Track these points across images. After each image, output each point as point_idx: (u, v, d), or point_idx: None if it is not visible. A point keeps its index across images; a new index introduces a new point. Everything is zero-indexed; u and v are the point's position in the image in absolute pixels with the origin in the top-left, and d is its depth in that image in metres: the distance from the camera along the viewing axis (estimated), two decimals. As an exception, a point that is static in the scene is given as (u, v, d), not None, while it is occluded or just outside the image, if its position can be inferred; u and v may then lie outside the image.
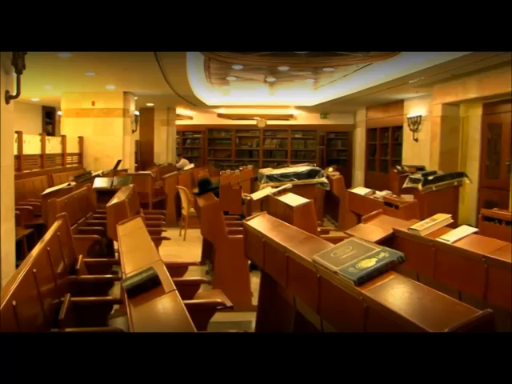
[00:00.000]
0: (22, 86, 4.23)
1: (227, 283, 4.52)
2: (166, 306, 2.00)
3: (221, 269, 4.85)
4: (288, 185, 5.85)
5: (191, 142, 17.62)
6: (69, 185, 6.71)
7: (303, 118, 16.88)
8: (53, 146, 9.85)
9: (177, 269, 3.53)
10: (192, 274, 4.35)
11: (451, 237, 3.25)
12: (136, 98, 11.57)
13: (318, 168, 7.40)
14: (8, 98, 4.17)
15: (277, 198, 4.99)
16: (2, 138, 4.10)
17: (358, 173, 15.54)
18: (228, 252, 4.81)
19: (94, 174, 8.46)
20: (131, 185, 6.38)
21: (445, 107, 9.47)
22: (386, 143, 13.64)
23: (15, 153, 7.44)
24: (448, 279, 3.15)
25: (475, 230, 3.37)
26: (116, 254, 5.44)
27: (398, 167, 10.38)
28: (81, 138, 10.91)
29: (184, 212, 8.24)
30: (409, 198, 7.08)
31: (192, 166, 12.84)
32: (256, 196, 6.13)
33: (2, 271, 4.06)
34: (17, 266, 4.03)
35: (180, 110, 15.72)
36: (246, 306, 4.42)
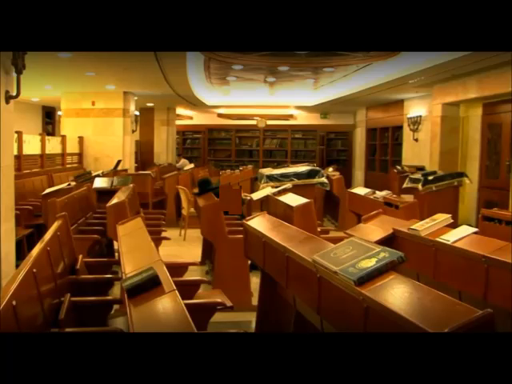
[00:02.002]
0: (22, 86, 4.23)
1: (227, 283, 4.52)
2: (166, 306, 2.00)
3: (221, 269, 4.85)
4: (288, 185, 5.85)
5: (191, 141, 17.62)
6: (69, 185, 6.71)
7: (303, 118, 16.88)
8: (53, 146, 9.85)
9: (177, 269, 3.53)
10: (192, 274, 4.35)
11: (451, 237, 3.25)
12: (136, 97, 11.57)
13: (318, 168, 7.39)
14: (8, 98, 4.17)
15: (277, 197, 4.99)
16: (2, 138, 4.10)
17: (358, 173, 15.54)
18: (228, 252, 4.81)
19: (94, 174, 8.45)
20: (131, 185, 6.38)
21: (445, 107, 9.47)
22: (386, 143, 13.64)
23: (15, 153, 7.44)
24: (448, 279, 3.15)
25: (475, 229, 3.37)
26: (116, 254, 5.43)
27: (398, 167, 10.38)
28: (81, 138, 10.91)
29: (184, 212, 8.24)
30: (409, 198, 7.08)
31: (192, 165, 12.84)
32: (256, 196, 6.13)
33: (2, 271, 4.06)
34: (17, 266, 4.03)
35: (180, 110, 15.72)
36: (246, 305, 4.42)
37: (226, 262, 4.83)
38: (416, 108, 11.62)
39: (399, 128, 12.63)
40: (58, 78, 9.34)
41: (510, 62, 6.76)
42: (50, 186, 7.63)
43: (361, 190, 6.77)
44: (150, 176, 9.25)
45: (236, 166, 15.26)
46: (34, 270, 2.35)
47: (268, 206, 5.44)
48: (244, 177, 11.16)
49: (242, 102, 14.77)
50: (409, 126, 11.79)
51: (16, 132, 7.50)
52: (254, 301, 4.14)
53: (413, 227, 3.52)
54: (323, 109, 15.48)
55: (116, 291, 3.95)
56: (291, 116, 16.70)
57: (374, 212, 4.29)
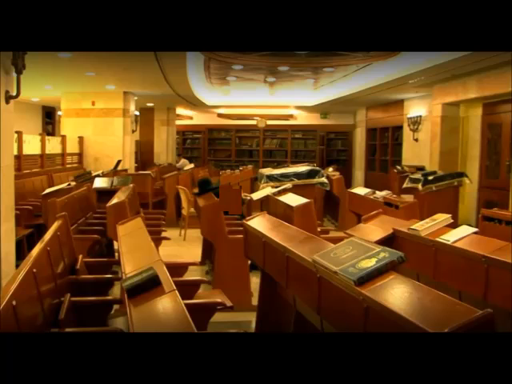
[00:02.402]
0: (22, 85, 4.23)
1: (227, 283, 4.52)
2: (166, 306, 1.99)
3: (221, 269, 4.85)
4: (288, 185, 5.85)
5: (191, 142, 17.61)
6: (69, 185, 6.71)
7: (303, 118, 16.88)
8: (53, 145, 9.85)
9: (177, 269, 3.53)
10: (192, 274, 4.35)
11: (451, 237, 3.25)
12: (136, 97, 11.57)
13: (318, 168, 7.40)
14: (8, 98, 4.16)
15: (277, 197, 4.99)
16: (2, 138, 4.10)
17: (358, 173, 15.54)
18: (228, 252, 4.81)
19: (94, 174, 8.46)
20: (131, 185, 6.38)
21: (445, 107, 9.47)
22: (386, 143, 13.64)
23: (15, 153, 7.44)
24: (448, 279, 3.15)
25: (475, 229, 3.37)
26: (116, 254, 5.43)
27: (398, 167, 10.38)
28: (81, 138, 10.91)
29: (184, 212, 8.24)
30: (409, 198, 7.08)
31: (192, 166, 12.84)
32: (256, 196, 6.13)
33: (2, 271, 4.06)
34: (17, 266, 4.03)
35: (180, 110, 15.71)
36: (246, 306, 4.42)
37: (226, 262, 4.82)
38: (416, 108, 11.62)
39: (399, 128, 12.63)
40: (57, 78, 9.34)
41: (509, 61, 6.76)
42: (50, 186, 7.63)
43: (361, 190, 6.77)
44: (150, 176, 9.25)
45: (236, 166, 15.25)
46: (34, 270, 2.35)
47: (268, 205, 5.44)
48: (244, 177, 11.16)
49: (242, 102, 14.77)
50: (409, 126, 11.79)
51: (16, 132, 7.50)
52: (254, 301, 4.14)
53: (413, 227, 3.52)
54: (323, 109, 15.48)
55: (116, 291, 3.95)
56: (291, 116, 16.70)
57: (374, 212, 4.29)
